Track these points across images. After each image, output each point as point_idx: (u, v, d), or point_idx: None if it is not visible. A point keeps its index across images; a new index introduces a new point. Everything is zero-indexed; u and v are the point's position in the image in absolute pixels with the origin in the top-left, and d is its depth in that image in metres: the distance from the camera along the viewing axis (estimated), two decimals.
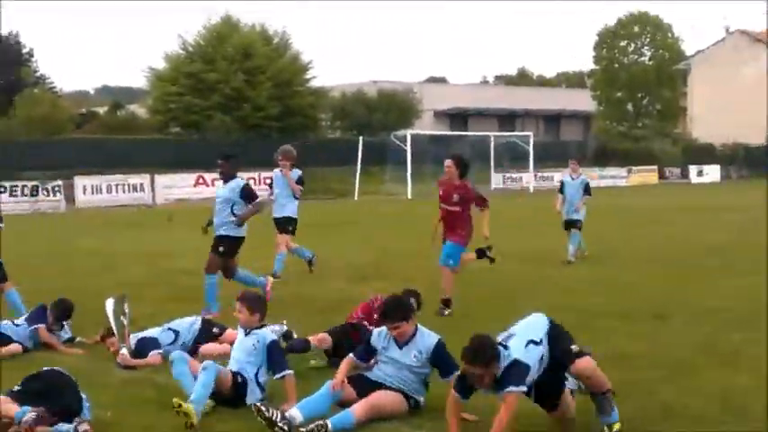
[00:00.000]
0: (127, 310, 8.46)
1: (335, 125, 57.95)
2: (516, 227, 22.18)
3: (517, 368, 5.70)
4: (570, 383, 6.20)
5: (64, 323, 9.29)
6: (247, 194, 10.81)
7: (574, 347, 5.93)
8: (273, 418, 6.03)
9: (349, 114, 55.52)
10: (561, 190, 16.27)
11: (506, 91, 78.00)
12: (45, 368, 6.55)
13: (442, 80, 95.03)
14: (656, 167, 56.57)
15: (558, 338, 5.98)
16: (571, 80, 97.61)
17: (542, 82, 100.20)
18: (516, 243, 17.82)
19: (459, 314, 10.43)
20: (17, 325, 9.10)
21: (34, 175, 36.38)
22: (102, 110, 64.45)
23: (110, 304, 8.46)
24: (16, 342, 8.88)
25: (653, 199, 37.11)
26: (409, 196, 38.98)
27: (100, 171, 38.08)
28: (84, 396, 6.32)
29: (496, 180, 47.42)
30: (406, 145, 40.68)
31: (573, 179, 16.26)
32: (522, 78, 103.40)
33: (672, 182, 55.48)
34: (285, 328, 8.77)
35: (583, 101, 69.30)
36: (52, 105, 48.12)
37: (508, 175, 48.53)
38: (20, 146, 41.02)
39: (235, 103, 47.83)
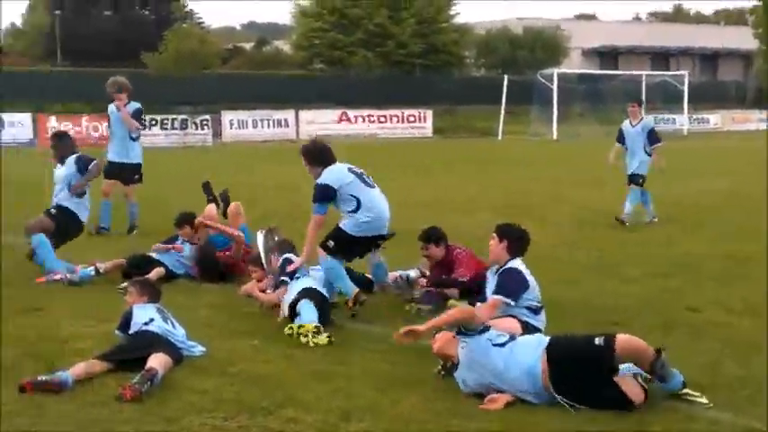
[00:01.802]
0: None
1: (480, 63, 56.91)
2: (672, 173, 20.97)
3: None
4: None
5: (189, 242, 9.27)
6: (83, 164, 9.54)
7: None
8: None
9: (493, 50, 54.32)
10: (619, 139, 13.72)
11: (660, 28, 74.63)
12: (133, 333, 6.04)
13: (592, 17, 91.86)
14: None
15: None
16: (731, 17, 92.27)
17: (700, 19, 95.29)
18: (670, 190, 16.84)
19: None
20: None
21: (183, 109, 37.44)
22: (248, 46, 65.67)
23: (260, 237, 8.39)
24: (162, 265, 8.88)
25: None
26: (555, 137, 37.82)
27: (245, 106, 38.78)
28: (176, 339, 6.07)
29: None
30: (552, 84, 39.36)
31: (633, 125, 13.54)
32: (678, 15, 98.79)
33: None
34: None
35: (743, 39, 65.37)
36: (200, 40, 49.23)
37: (660, 116, 46.34)
38: (170, 80, 42.18)
39: (378, 39, 47.62)
